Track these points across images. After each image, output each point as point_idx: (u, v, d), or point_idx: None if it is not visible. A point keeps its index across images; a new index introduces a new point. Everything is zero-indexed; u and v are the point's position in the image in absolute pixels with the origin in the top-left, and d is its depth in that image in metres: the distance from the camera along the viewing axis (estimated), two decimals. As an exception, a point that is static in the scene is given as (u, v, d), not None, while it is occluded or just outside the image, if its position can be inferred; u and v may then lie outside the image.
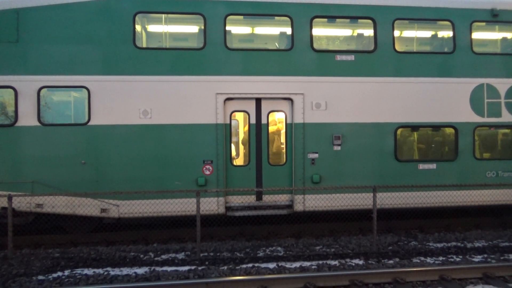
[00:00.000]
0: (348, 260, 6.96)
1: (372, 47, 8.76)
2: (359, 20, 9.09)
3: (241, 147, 9.04)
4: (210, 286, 5.57)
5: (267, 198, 8.56)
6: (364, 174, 8.61)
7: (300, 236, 8.64)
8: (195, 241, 7.42)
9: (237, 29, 9.22)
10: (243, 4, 8.45)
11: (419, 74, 8.80)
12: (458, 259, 7.05)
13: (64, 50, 7.90)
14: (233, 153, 8.76)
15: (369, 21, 8.76)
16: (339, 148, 8.57)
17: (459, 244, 8.01)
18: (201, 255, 7.28)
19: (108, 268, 6.61)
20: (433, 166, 8.84)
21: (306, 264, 6.71)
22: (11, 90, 7.77)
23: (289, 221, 9.25)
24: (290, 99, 8.54)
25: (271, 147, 8.73)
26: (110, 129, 7.97)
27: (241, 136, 9.19)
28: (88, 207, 7.92)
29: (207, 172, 8.25)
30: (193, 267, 6.59)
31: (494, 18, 9.07)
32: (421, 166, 8.82)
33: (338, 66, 8.60)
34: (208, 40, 8.27)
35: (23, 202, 7.71)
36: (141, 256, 7.32)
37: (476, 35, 9.22)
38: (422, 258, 7.07)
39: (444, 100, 8.85)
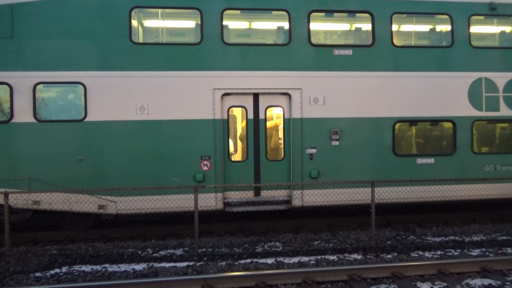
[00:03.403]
0: (346, 255, 6.96)
1: (370, 42, 8.72)
2: (357, 14, 9.04)
3: (239, 142, 9.01)
4: (209, 282, 5.56)
5: (265, 194, 8.54)
6: (362, 169, 8.60)
7: (298, 231, 8.63)
8: (193, 237, 7.41)
9: (234, 23, 9.14)
10: None
11: (417, 68, 8.77)
12: (456, 253, 7.06)
13: (59, 45, 7.83)
14: (231, 148, 8.72)
15: (367, 15, 8.71)
16: (337, 143, 8.55)
17: (457, 238, 8.03)
18: (200, 251, 7.28)
19: (106, 265, 6.60)
20: (431, 160, 8.84)
21: (305, 259, 6.70)
22: (6, 87, 7.70)
23: (287, 217, 9.26)
24: (288, 94, 8.50)
25: (269, 142, 8.70)
26: (106, 125, 7.93)
27: (239, 131, 9.16)
28: (86, 203, 7.89)
29: (205, 168, 8.22)
30: (191, 263, 6.58)
31: (493, 11, 9.03)
32: (419, 161, 8.82)
33: (336, 60, 8.56)
34: (205, 35, 8.21)
35: (20, 199, 7.67)
36: (139, 252, 7.31)
37: (475, 28, 9.18)
38: (420, 253, 7.07)
39: (442, 94, 8.83)
